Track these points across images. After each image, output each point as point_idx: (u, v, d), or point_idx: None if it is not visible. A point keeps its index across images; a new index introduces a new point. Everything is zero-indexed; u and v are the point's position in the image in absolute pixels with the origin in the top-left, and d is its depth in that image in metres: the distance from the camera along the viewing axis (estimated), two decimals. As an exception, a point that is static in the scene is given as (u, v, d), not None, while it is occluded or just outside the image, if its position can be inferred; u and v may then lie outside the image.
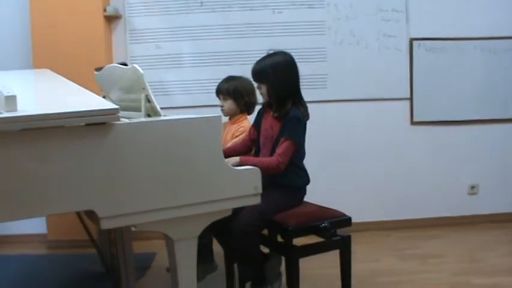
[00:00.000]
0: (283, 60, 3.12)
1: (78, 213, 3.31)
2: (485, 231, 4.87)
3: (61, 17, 4.43)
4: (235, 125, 3.61)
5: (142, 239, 4.39)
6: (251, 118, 3.54)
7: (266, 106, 3.29)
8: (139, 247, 4.27)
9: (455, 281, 3.68)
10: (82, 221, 3.61)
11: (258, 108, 3.47)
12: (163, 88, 4.73)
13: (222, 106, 3.65)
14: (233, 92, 3.58)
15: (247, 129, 3.49)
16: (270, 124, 3.18)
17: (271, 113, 3.18)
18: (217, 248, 3.56)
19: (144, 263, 4.11)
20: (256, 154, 3.28)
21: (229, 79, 3.66)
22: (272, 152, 3.08)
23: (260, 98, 3.36)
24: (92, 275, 3.93)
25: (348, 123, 4.90)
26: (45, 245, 4.68)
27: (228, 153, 2.95)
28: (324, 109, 4.74)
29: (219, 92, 3.66)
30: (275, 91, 3.11)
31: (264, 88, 3.14)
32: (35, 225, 4.66)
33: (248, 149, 3.38)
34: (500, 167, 5.09)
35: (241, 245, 2.95)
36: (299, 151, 3.12)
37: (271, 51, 3.17)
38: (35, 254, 4.53)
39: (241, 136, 3.51)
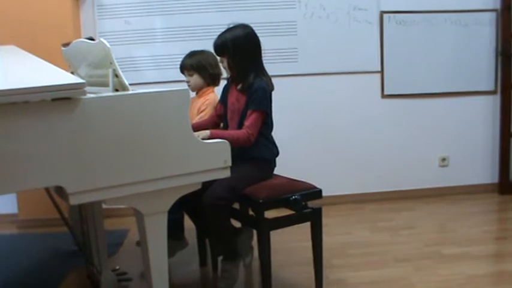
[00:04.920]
0: (243, 32, 3.13)
1: (48, 191, 3.27)
2: (456, 202, 4.94)
3: (27, -9, 4.35)
4: (202, 99, 3.62)
5: (115, 216, 4.38)
6: (218, 91, 3.54)
7: (230, 80, 3.30)
8: (113, 224, 4.26)
9: (425, 251, 3.73)
10: (52, 199, 3.56)
11: (224, 83, 3.45)
12: (133, 64, 4.68)
13: (188, 82, 3.65)
14: (197, 66, 3.60)
15: (213, 102, 3.54)
16: (235, 97, 3.19)
17: (236, 87, 3.19)
18: (189, 224, 3.56)
19: (117, 240, 4.10)
20: (225, 129, 3.28)
21: (192, 54, 3.67)
22: (240, 125, 3.09)
23: (225, 72, 3.36)
24: (64, 253, 3.91)
25: (319, 97, 4.89)
26: (16, 225, 4.64)
27: (196, 130, 2.94)
28: (295, 83, 4.76)
29: (183, 68, 3.67)
30: (236, 64, 3.13)
31: (225, 61, 3.17)
32: (6, 205, 4.65)
33: (216, 125, 3.39)
34: (470, 139, 5.15)
35: (212, 219, 2.95)
36: (267, 122, 3.13)
37: (231, 25, 3.17)
38: (6, 234, 4.49)
39: (207, 110, 3.53)
